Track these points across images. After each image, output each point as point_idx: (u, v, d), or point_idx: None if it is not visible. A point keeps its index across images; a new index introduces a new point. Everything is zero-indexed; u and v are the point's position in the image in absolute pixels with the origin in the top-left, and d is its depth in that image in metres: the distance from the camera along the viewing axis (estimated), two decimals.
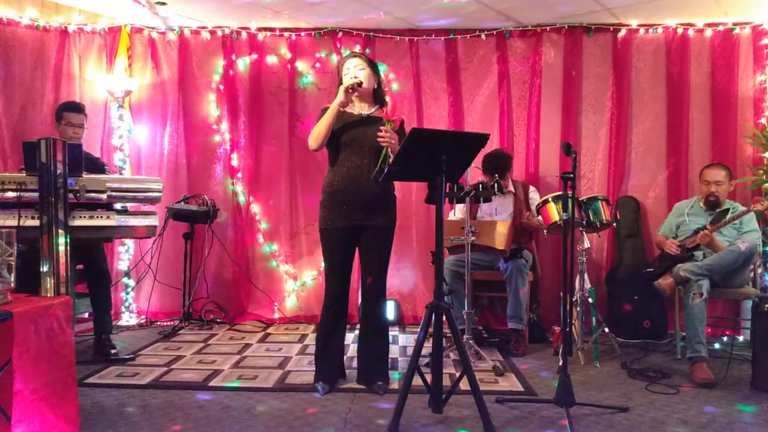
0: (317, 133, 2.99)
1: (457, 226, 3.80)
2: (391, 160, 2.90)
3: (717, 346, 4.14)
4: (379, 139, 2.88)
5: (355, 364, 3.23)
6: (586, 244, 3.77)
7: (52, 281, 2.75)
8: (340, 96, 2.96)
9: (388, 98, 4.70)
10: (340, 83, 3.06)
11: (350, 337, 3.95)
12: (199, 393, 3.03)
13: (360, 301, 3.29)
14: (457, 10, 4.41)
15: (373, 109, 3.12)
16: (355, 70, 3.04)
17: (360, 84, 2.98)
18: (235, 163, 4.90)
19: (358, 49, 4.78)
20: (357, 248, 3.13)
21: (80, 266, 3.72)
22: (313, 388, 3.07)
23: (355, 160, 3.00)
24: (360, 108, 3.10)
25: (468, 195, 3.56)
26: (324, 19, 4.70)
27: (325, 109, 3.06)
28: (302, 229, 4.90)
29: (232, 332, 4.47)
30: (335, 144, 3.04)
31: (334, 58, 4.82)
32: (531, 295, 4.18)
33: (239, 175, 4.91)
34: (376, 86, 3.13)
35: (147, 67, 4.88)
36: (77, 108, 3.90)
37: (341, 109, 3.00)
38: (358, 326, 4.42)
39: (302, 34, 4.85)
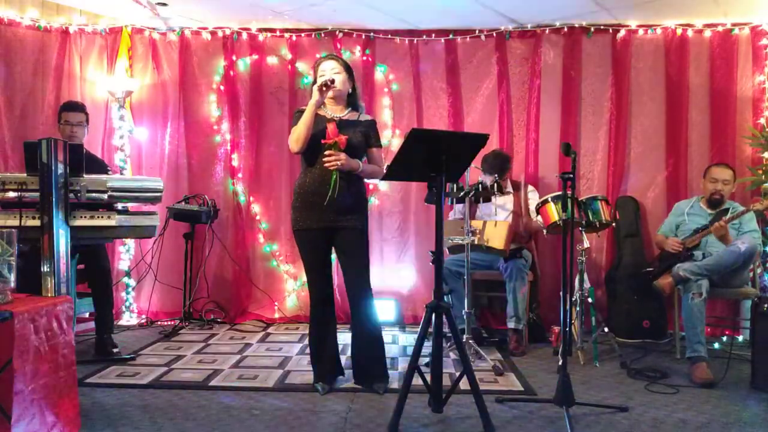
0: (297, 135, 2.98)
1: (457, 226, 3.80)
2: (384, 183, 2.86)
3: (716, 346, 4.14)
4: (326, 165, 2.91)
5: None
6: (586, 244, 3.78)
7: (53, 281, 2.75)
8: (315, 95, 2.95)
9: (389, 103, 4.79)
10: (313, 83, 3.06)
11: (348, 337, 3.95)
12: (200, 393, 3.04)
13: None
14: (457, 11, 4.42)
15: (346, 113, 3.11)
16: (330, 73, 3.02)
17: (333, 82, 2.96)
18: (235, 163, 4.91)
19: (358, 50, 4.80)
20: (333, 250, 3.13)
21: (81, 266, 3.72)
22: (313, 388, 3.08)
23: None
24: (333, 111, 3.09)
25: (468, 195, 3.57)
26: (324, 19, 4.70)
27: (299, 112, 3.06)
28: None
29: (232, 332, 4.48)
30: (307, 146, 3.01)
31: None
32: (530, 294, 4.19)
33: (240, 175, 4.91)
34: (350, 91, 3.12)
35: (148, 67, 4.88)
36: (74, 107, 3.92)
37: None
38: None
39: (302, 34, 4.86)
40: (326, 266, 3.13)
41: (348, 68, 3.11)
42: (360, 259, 3.09)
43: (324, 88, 2.94)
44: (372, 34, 4.83)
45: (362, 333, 3.12)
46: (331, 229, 3.04)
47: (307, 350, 3.88)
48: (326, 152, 2.93)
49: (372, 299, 3.12)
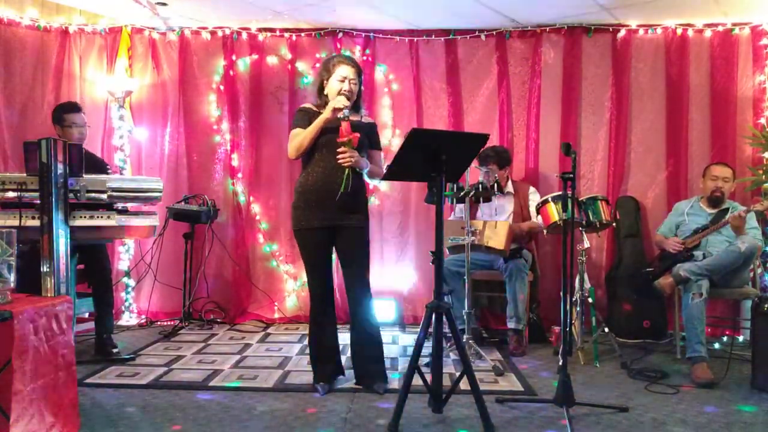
0: (299, 143, 3.00)
1: (457, 226, 3.80)
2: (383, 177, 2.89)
3: (717, 346, 4.13)
4: (340, 161, 2.90)
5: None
6: (586, 244, 3.78)
7: (53, 281, 2.75)
8: (327, 113, 2.94)
9: (389, 103, 4.79)
10: (322, 81, 3.05)
11: (347, 337, 3.94)
12: (199, 393, 3.03)
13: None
14: (457, 11, 4.41)
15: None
16: (350, 84, 3.00)
17: (347, 106, 2.93)
18: (235, 163, 4.90)
19: (358, 50, 4.79)
20: (334, 249, 3.13)
21: (81, 266, 3.72)
22: (313, 388, 3.07)
23: (329, 161, 2.97)
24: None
25: (468, 195, 3.57)
26: (324, 19, 4.70)
27: (301, 111, 3.09)
28: None
29: (232, 332, 4.48)
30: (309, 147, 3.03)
31: None
32: (530, 294, 4.19)
33: (239, 175, 4.91)
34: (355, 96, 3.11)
35: (147, 67, 4.88)
36: (77, 108, 3.89)
37: (315, 110, 3.04)
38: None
39: (302, 34, 4.85)
40: (327, 266, 3.13)
41: (361, 74, 3.10)
42: (361, 259, 3.10)
43: (337, 110, 2.92)
44: (372, 33, 4.83)
45: (362, 333, 3.12)
46: (333, 228, 3.04)
47: (307, 350, 3.89)
48: (340, 149, 2.91)
49: (371, 299, 3.13)
